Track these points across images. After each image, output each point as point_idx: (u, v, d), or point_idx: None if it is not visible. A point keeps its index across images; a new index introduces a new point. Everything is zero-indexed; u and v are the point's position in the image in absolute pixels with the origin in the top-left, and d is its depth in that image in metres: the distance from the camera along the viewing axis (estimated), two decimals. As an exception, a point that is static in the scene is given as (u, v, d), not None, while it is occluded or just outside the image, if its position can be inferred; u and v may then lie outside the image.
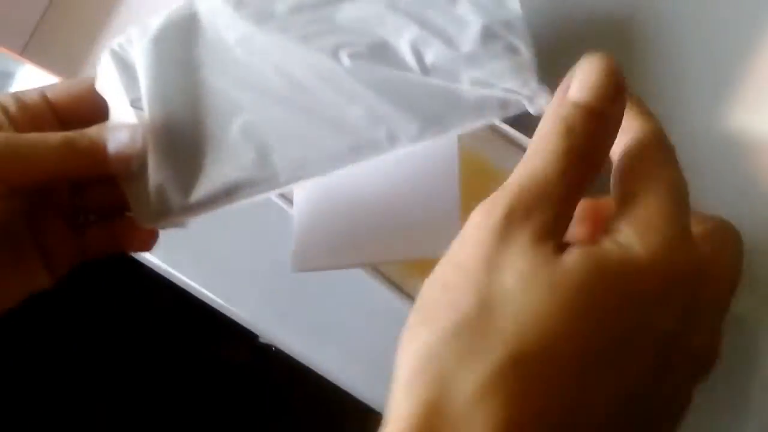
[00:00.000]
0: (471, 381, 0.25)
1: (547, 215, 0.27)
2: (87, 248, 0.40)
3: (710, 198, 0.30)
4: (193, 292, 0.64)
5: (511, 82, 0.35)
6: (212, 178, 0.36)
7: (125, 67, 0.39)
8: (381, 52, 0.36)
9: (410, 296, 0.55)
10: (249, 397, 1.18)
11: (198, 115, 0.37)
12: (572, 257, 0.26)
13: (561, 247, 0.27)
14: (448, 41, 0.35)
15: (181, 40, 0.38)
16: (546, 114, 0.29)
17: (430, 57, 0.36)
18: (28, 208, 0.37)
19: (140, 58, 0.38)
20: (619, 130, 0.29)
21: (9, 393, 1.09)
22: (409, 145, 0.35)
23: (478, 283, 0.26)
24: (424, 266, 0.55)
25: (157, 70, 0.38)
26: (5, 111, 0.38)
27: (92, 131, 0.37)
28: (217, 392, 1.18)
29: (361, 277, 0.55)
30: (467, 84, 0.35)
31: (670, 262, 0.26)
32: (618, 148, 0.30)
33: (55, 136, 0.36)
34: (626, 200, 0.28)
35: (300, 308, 0.62)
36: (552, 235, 0.27)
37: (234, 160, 0.36)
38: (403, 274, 0.56)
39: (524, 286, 0.26)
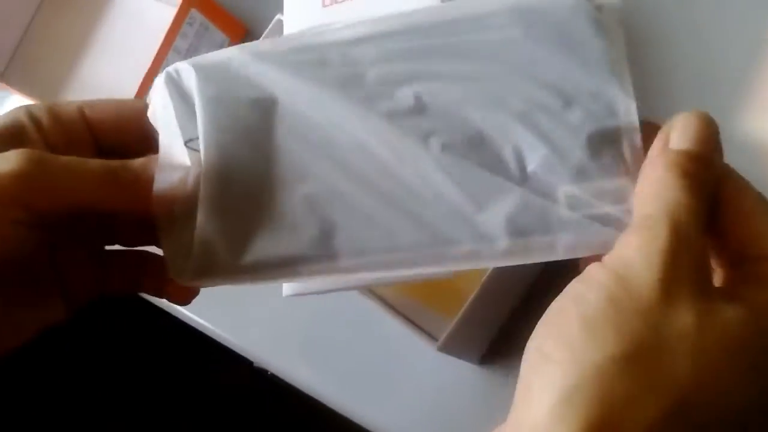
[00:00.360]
0: (644, 414, 0.25)
1: (702, 249, 0.28)
2: (110, 283, 0.36)
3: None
4: (184, 320, 0.63)
5: (610, 207, 0.31)
6: (265, 246, 0.32)
7: (182, 97, 0.34)
8: (478, 147, 0.32)
9: (406, 317, 0.54)
10: (247, 421, 1.17)
11: (259, 171, 0.33)
12: (743, 310, 0.27)
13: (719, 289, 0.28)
14: (553, 149, 0.31)
15: (251, 83, 0.34)
16: (649, 164, 0.30)
17: (531, 163, 0.31)
18: (49, 237, 0.32)
19: (199, 91, 0.34)
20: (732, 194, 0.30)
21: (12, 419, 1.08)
22: (493, 263, 0.31)
23: (652, 314, 0.26)
24: (420, 288, 0.55)
25: (219, 110, 0.33)
26: (38, 124, 0.33)
27: (138, 164, 0.32)
28: (216, 416, 1.17)
29: (356, 299, 0.54)
30: (564, 202, 0.31)
31: None
32: (736, 209, 0.30)
33: (94, 164, 0.31)
34: (765, 260, 0.29)
35: (294, 332, 0.61)
36: (707, 271, 0.28)
37: (293, 232, 0.32)
38: (400, 296, 0.54)
39: (700, 331, 0.26)
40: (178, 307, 0.62)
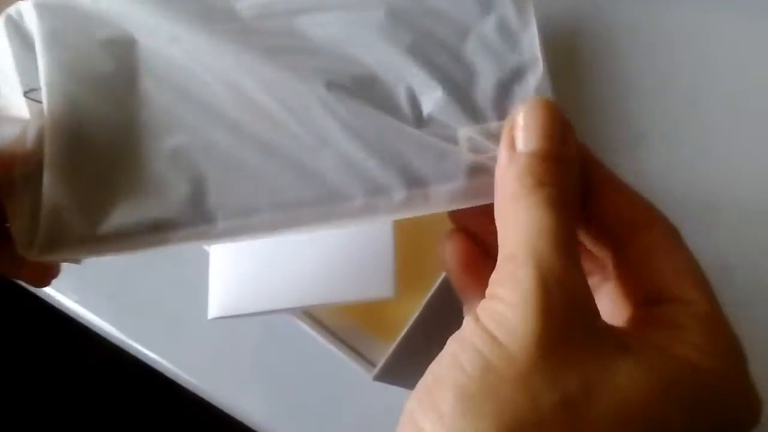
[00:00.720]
0: None
1: (579, 284, 0.24)
2: None
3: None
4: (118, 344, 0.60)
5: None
6: (127, 212, 0.28)
7: (25, 42, 0.30)
8: (368, 87, 0.29)
9: (345, 342, 0.51)
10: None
11: (117, 123, 0.29)
12: (642, 366, 0.24)
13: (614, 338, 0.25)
14: (451, 89, 0.29)
15: (108, 20, 0.29)
16: (500, 174, 0.27)
17: (427, 105, 0.29)
18: None
19: (42, 33, 0.29)
20: (633, 219, 0.27)
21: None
22: (389, 216, 0.28)
23: (531, 384, 0.23)
24: (360, 311, 0.52)
25: (66, 53, 0.29)
26: None
27: None
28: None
29: (293, 322, 0.51)
30: (465, 146, 0.28)
31: (739, 373, 0.25)
32: (638, 240, 0.27)
33: None
34: (682, 305, 0.26)
35: (226, 356, 0.59)
36: (592, 312, 0.25)
37: (159, 193, 0.28)
38: (339, 320, 0.52)
39: (587, 397, 0.23)
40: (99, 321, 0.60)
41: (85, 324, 0.60)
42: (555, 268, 0.24)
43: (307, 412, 0.57)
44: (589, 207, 0.28)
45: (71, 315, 0.60)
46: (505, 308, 0.24)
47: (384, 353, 0.48)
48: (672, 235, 0.27)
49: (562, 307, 0.23)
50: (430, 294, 0.47)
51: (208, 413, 0.61)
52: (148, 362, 0.59)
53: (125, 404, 1.16)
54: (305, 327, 0.50)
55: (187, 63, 0.29)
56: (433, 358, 0.57)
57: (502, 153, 0.27)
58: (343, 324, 0.52)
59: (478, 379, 0.23)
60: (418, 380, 0.56)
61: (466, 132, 0.28)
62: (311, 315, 0.52)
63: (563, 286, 0.24)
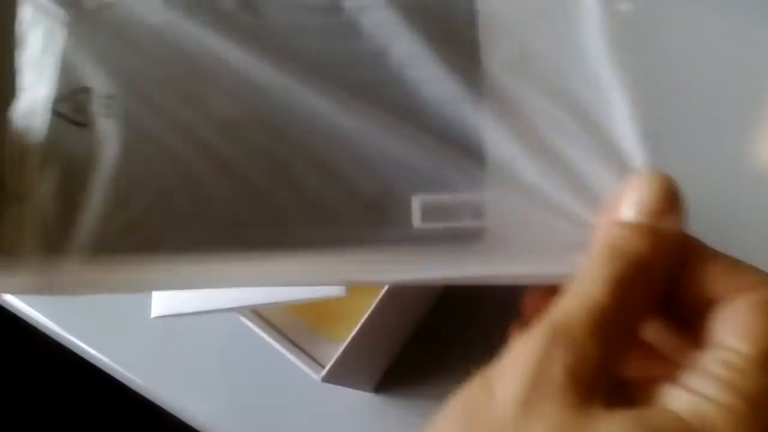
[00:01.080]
0: None
1: (590, 351, 0.23)
2: None
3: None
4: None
5: (467, 220, 0.27)
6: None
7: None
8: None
9: (293, 342, 0.50)
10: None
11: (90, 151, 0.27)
12: (613, 424, 0.22)
13: (608, 399, 0.23)
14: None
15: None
16: (594, 242, 0.26)
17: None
18: None
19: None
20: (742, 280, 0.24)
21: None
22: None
23: (506, 426, 0.22)
24: (310, 310, 0.51)
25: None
26: None
27: None
28: None
29: (238, 320, 0.50)
30: (416, 214, 0.27)
31: None
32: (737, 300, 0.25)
33: None
34: (719, 350, 0.24)
35: (172, 354, 0.58)
36: (595, 379, 0.23)
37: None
38: (287, 318, 0.51)
39: None
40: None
41: (23, 318, 0.59)
42: (574, 332, 0.23)
43: (255, 413, 0.56)
44: (682, 284, 0.25)
45: (7, 307, 0.59)
46: (508, 361, 0.23)
47: (334, 353, 0.47)
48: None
49: (558, 368, 0.22)
50: (381, 294, 0.46)
51: (153, 414, 0.60)
52: (91, 360, 0.58)
53: (67, 401, 1.14)
54: (253, 326, 0.48)
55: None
56: (382, 359, 0.56)
57: (601, 221, 0.26)
58: (292, 323, 0.51)
59: (458, 428, 0.23)
60: (366, 381, 0.56)
61: (422, 199, 0.27)
62: (259, 314, 0.50)
63: (572, 346, 0.23)
